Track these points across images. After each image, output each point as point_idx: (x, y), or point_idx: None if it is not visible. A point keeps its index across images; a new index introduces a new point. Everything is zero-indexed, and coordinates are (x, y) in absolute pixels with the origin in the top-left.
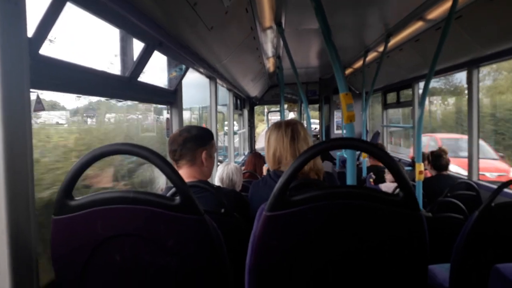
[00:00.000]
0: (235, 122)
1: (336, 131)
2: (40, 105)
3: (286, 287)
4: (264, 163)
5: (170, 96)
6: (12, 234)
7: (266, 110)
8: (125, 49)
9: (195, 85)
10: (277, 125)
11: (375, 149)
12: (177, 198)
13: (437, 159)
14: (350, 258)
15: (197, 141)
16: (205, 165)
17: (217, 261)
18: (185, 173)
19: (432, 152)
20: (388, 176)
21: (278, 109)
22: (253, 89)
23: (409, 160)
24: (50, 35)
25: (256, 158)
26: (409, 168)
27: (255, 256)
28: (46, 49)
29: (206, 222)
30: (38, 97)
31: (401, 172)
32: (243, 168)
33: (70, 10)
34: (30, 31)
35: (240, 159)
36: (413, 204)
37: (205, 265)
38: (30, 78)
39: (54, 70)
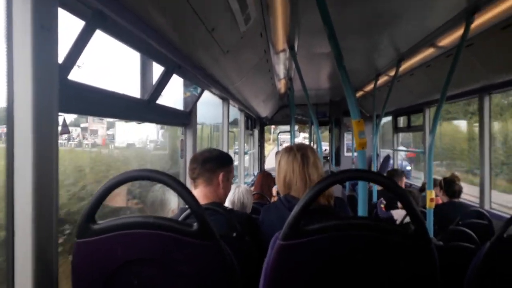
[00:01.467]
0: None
1: (346, 153)
2: (66, 128)
3: None
4: (274, 182)
5: (185, 118)
6: (36, 254)
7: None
8: (145, 73)
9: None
10: (288, 150)
11: (387, 181)
12: (195, 224)
13: (450, 185)
14: (363, 287)
15: (217, 163)
16: (221, 187)
17: (231, 286)
18: (201, 192)
19: (444, 179)
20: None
21: (288, 130)
22: (264, 110)
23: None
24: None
25: (264, 178)
26: (423, 194)
27: (268, 284)
28: (74, 74)
29: (221, 248)
30: (64, 120)
31: (412, 205)
32: (252, 188)
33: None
34: (61, 57)
35: (250, 179)
36: (424, 237)
37: None
38: (58, 102)
39: (80, 95)
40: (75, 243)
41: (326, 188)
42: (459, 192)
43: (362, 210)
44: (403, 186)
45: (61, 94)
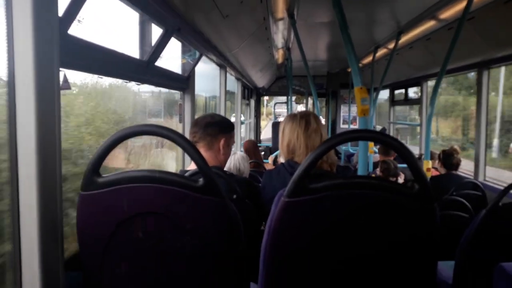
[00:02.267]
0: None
1: (342, 125)
2: (67, 84)
3: (301, 271)
4: (260, 151)
5: (184, 82)
6: (41, 209)
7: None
8: (144, 34)
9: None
10: (292, 116)
11: (393, 141)
12: (200, 180)
13: (448, 157)
14: (365, 247)
15: (218, 128)
16: (221, 153)
17: (235, 243)
18: (203, 154)
19: (443, 151)
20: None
21: (284, 101)
22: (261, 80)
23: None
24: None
25: (252, 146)
26: None
27: (271, 240)
28: (73, 29)
29: (226, 204)
30: (65, 76)
31: (418, 166)
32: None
33: None
34: (60, 11)
35: None
36: (428, 197)
37: (223, 245)
38: (59, 57)
39: (81, 51)
40: (79, 196)
41: (332, 147)
42: (456, 164)
43: (362, 171)
44: (394, 157)
45: (61, 49)
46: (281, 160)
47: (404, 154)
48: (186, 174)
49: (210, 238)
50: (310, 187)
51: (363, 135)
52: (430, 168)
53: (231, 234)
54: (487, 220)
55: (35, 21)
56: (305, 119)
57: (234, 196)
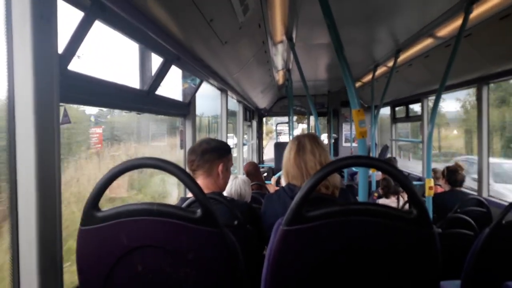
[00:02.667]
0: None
1: (344, 144)
2: (67, 118)
3: None
4: (261, 172)
5: (184, 109)
6: (40, 245)
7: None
8: (144, 64)
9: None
10: (292, 139)
11: (388, 167)
12: (198, 211)
13: (453, 174)
14: (365, 273)
15: (215, 153)
16: (221, 178)
17: (234, 272)
18: (201, 183)
19: (448, 168)
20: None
21: (285, 121)
22: (262, 101)
23: (419, 175)
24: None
25: (253, 168)
26: (419, 182)
27: (272, 270)
28: (74, 65)
29: (225, 235)
30: (65, 110)
31: (414, 191)
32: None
33: (94, 27)
34: (60, 48)
35: None
36: (426, 222)
37: (223, 276)
38: (59, 92)
39: (81, 85)
40: (79, 230)
41: (328, 174)
42: (461, 181)
43: (362, 197)
44: None
45: (61, 84)
46: (282, 182)
47: (399, 179)
48: (186, 202)
49: (210, 269)
50: (307, 215)
51: (356, 161)
52: (433, 186)
53: (231, 263)
54: (491, 238)
55: (35, 58)
56: (298, 140)
57: (235, 222)
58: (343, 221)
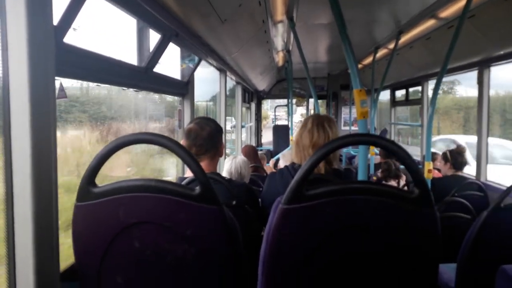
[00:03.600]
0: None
1: (343, 127)
2: (63, 93)
3: (301, 278)
4: (258, 156)
5: (183, 88)
6: (36, 219)
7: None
8: (142, 40)
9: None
10: (303, 120)
11: (393, 145)
12: (197, 188)
13: (458, 156)
14: (364, 253)
15: (218, 134)
16: (221, 155)
17: (233, 251)
18: (206, 164)
19: (451, 151)
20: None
21: (284, 104)
22: (261, 83)
23: (418, 159)
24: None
25: (251, 150)
26: (419, 166)
27: (270, 248)
28: (69, 37)
29: (224, 212)
30: (61, 85)
31: (417, 170)
32: None
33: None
34: (55, 20)
35: None
36: (428, 202)
37: (221, 254)
38: (55, 66)
39: (77, 59)
40: (75, 206)
41: (329, 152)
42: (465, 163)
43: (362, 176)
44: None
45: (57, 57)
46: (281, 164)
47: (402, 157)
48: (184, 181)
49: (208, 246)
50: (307, 194)
51: (359, 139)
52: (432, 169)
53: (230, 241)
54: (488, 222)
55: (30, 30)
56: (307, 121)
57: (234, 202)
58: (343, 200)
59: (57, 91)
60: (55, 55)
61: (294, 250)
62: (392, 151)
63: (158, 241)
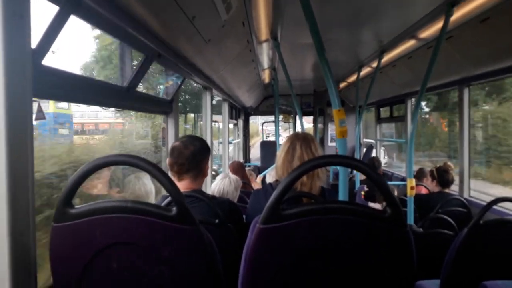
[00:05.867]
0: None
1: (330, 143)
2: (41, 114)
3: None
4: (245, 171)
5: (167, 106)
6: (12, 240)
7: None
8: (124, 60)
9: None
10: (286, 139)
11: (363, 166)
12: (174, 209)
13: (444, 174)
14: (340, 272)
15: (203, 154)
16: (205, 176)
17: (211, 271)
18: (187, 184)
19: (437, 168)
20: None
21: (271, 120)
22: (248, 99)
23: (402, 175)
24: (53, 47)
25: (239, 167)
26: (403, 182)
27: (248, 268)
28: (48, 59)
29: (200, 232)
30: (39, 106)
31: (388, 190)
32: None
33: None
34: (34, 42)
35: None
36: (400, 221)
37: (199, 275)
38: (32, 87)
39: (56, 80)
40: (52, 228)
41: (303, 173)
42: (451, 181)
43: (342, 195)
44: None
45: (35, 79)
46: (268, 180)
47: (374, 179)
48: (166, 200)
49: (186, 267)
50: (283, 213)
51: (330, 160)
52: (414, 186)
53: (207, 262)
54: (469, 238)
55: (7, 53)
56: (291, 140)
57: (216, 221)
58: (318, 220)
59: (35, 113)
60: (33, 77)
61: (272, 270)
62: (363, 172)
63: (135, 261)
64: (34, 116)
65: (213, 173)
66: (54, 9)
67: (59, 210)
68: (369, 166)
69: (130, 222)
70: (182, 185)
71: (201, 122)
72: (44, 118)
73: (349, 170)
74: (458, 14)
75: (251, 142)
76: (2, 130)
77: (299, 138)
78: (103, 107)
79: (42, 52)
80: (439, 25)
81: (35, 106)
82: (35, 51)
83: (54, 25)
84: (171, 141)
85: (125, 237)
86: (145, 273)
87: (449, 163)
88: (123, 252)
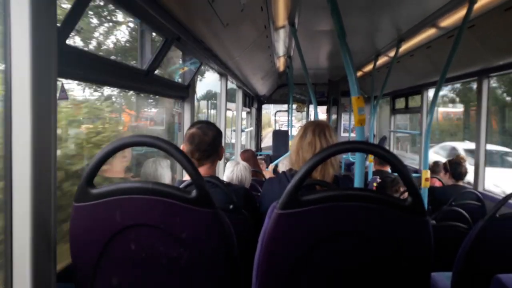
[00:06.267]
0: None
1: (342, 134)
2: (64, 94)
3: (295, 283)
4: (257, 160)
5: (184, 91)
6: (34, 218)
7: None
8: (144, 43)
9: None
10: (301, 127)
11: (387, 153)
12: (193, 192)
13: (457, 167)
14: (357, 259)
15: (220, 138)
16: (221, 159)
17: (229, 254)
18: (206, 169)
19: (450, 161)
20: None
21: (285, 109)
22: (262, 88)
23: (416, 167)
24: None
25: (250, 155)
26: (416, 174)
27: (264, 252)
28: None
29: (219, 216)
30: (62, 86)
31: (410, 178)
32: None
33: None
34: (59, 21)
35: None
36: (420, 210)
37: (217, 257)
38: (57, 67)
39: (79, 61)
40: (73, 207)
41: (323, 160)
42: (465, 173)
43: (358, 183)
44: None
45: (59, 59)
46: (281, 169)
47: (396, 166)
48: (182, 185)
49: (204, 250)
50: (302, 199)
51: (354, 146)
52: (429, 178)
53: (225, 245)
54: (484, 231)
55: (33, 31)
56: (305, 127)
57: (231, 207)
58: (337, 206)
59: (58, 92)
60: (57, 57)
61: (288, 255)
62: (386, 160)
63: (154, 243)
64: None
65: (225, 161)
66: None
67: (81, 190)
68: (390, 152)
69: (150, 203)
70: (201, 171)
71: (213, 111)
72: (67, 98)
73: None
74: (482, 2)
75: (263, 133)
76: (27, 109)
77: (313, 125)
78: (123, 90)
79: (66, 31)
80: (461, 13)
81: (58, 85)
82: (60, 30)
83: (79, 4)
84: (187, 126)
85: (144, 219)
86: (163, 255)
87: (461, 155)
88: (142, 233)
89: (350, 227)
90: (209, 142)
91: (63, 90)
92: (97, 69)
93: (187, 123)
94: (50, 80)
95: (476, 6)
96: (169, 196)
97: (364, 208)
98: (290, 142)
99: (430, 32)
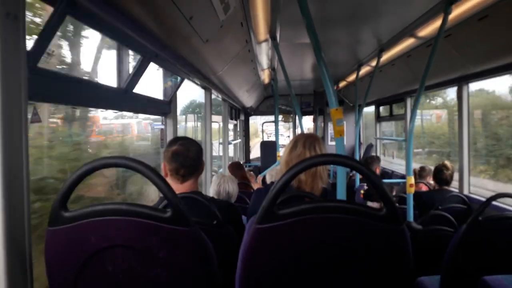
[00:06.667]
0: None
1: (330, 143)
2: (37, 117)
3: None
4: (245, 171)
5: (165, 107)
6: (8, 241)
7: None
8: (121, 61)
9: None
10: (292, 139)
11: (358, 165)
12: (169, 210)
13: (440, 173)
14: (338, 270)
15: (201, 153)
16: (201, 173)
17: (207, 272)
18: (190, 185)
19: (435, 167)
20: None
21: (271, 120)
22: (248, 100)
23: (402, 173)
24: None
25: (237, 167)
26: (402, 180)
27: (244, 268)
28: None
29: (196, 234)
30: (35, 109)
31: (383, 188)
32: None
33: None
34: (29, 45)
35: None
36: (395, 219)
37: (195, 276)
38: (27, 90)
39: (52, 83)
40: (47, 231)
41: (297, 173)
42: (446, 180)
43: (340, 194)
44: (378, 172)
45: (30, 82)
46: (268, 179)
47: (369, 177)
48: (163, 202)
49: (182, 269)
50: (279, 213)
51: (326, 159)
52: (413, 184)
53: (202, 262)
54: (468, 234)
55: (1, 56)
56: (295, 139)
57: (214, 222)
58: (315, 219)
59: (30, 115)
60: (27, 81)
61: (268, 270)
62: (359, 171)
63: (131, 264)
64: (29, 119)
65: (213, 173)
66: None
67: (54, 214)
68: (365, 165)
69: (125, 224)
70: (186, 187)
71: (199, 123)
72: (40, 121)
73: (348, 170)
74: (457, 12)
75: (251, 144)
76: None
77: (303, 137)
78: (101, 109)
79: (37, 54)
80: (437, 23)
81: (30, 109)
82: (30, 54)
83: (50, 26)
84: None
85: (120, 240)
86: (141, 276)
87: (446, 162)
88: (119, 254)
89: (329, 239)
90: (193, 158)
91: (36, 113)
92: (72, 90)
93: (170, 138)
94: (20, 104)
95: (451, 16)
96: (143, 216)
97: (341, 219)
98: (278, 153)
99: (409, 41)
